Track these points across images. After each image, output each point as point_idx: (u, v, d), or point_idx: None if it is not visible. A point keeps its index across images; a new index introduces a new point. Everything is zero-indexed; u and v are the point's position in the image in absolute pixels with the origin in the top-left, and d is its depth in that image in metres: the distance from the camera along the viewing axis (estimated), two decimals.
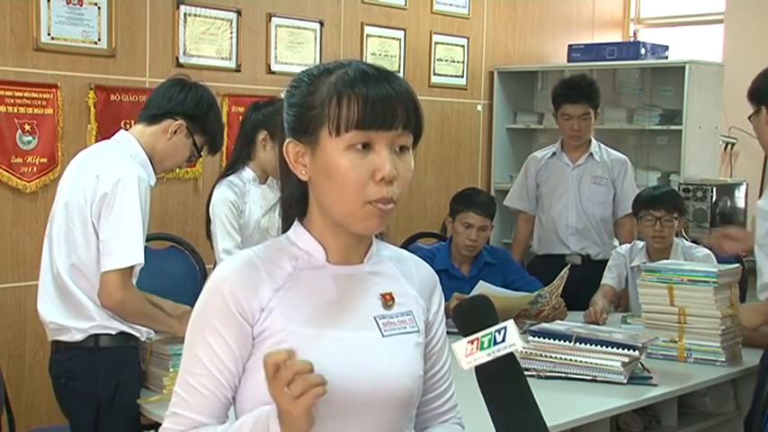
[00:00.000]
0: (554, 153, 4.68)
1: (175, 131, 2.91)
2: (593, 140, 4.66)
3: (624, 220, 4.58)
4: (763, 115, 3.26)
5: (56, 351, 2.86)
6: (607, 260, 4.37)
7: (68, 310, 2.78)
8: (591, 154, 4.60)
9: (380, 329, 1.53)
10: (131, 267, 2.73)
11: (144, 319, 2.81)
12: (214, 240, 3.41)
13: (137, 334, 2.83)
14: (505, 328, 1.35)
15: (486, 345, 1.35)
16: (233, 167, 3.50)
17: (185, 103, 2.93)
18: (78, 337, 2.77)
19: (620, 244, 4.43)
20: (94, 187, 2.73)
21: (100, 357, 2.79)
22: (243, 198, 3.42)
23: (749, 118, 3.40)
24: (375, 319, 1.53)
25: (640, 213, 4.10)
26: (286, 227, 1.58)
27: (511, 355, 1.36)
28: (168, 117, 2.91)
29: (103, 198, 2.71)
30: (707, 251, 4.11)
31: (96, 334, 2.78)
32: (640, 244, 4.21)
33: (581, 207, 4.59)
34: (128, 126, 4.08)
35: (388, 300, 1.56)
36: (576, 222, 4.59)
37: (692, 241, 4.22)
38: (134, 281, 2.81)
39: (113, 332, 2.79)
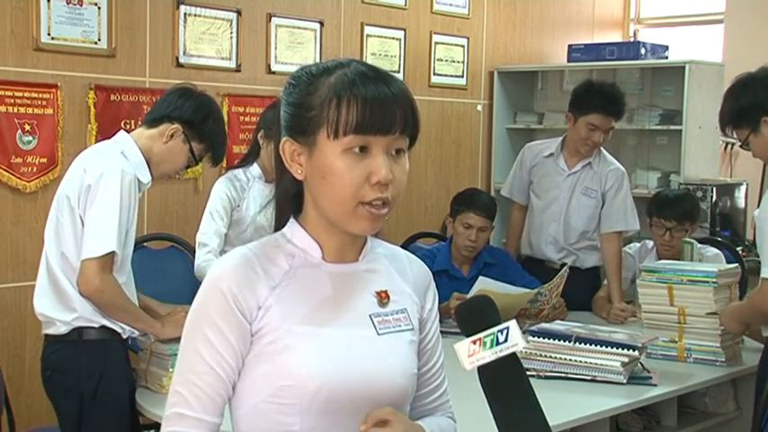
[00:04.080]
0: (551, 154, 4.40)
1: (171, 136, 2.94)
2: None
3: (611, 236, 4.24)
4: (763, 127, 3.08)
5: (45, 345, 2.92)
6: (588, 269, 4.35)
7: (56, 300, 2.83)
8: (589, 163, 4.31)
9: (375, 327, 1.54)
10: (109, 256, 2.75)
11: (123, 314, 2.83)
12: (200, 230, 3.50)
13: (118, 329, 2.86)
14: (508, 328, 1.36)
15: (488, 345, 1.36)
16: (245, 161, 3.58)
17: (183, 109, 2.97)
18: (63, 329, 2.83)
19: (606, 263, 4.22)
20: (81, 180, 2.81)
21: (84, 351, 2.83)
22: (242, 193, 3.48)
23: (742, 146, 3.19)
24: (370, 317, 1.54)
25: (653, 218, 4.05)
26: (279, 223, 1.59)
27: (513, 355, 1.36)
28: (166, 121, 2.95)
29: (88, 190, 2.78)
30: (716, 251, 4.09)
31: (80, 327, 2.82)
32: (650, 244, 4.18)
33: (566, 218, 4.34)
34: (128, 126, 4.10)
35: (383, 297, 1.57)
36: (555, 232, 4.35)
37: (699, 241, 4.20)
38: (123, 278, 2.84)
39: (96, 325, 2.83)
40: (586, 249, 4.37)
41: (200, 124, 2.97)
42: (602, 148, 4.35)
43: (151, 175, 2.95)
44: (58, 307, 2.83)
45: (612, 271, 4.18)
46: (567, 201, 4.34)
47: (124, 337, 2.88)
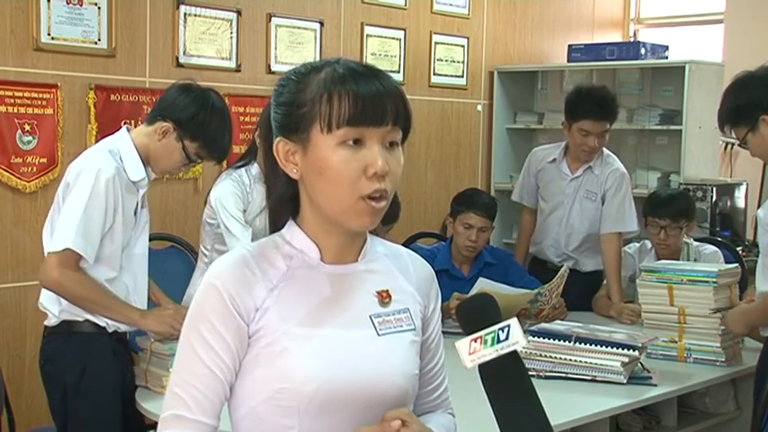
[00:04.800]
0: (554, 159, 4.40)
1: (164, 134, 2.93)
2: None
3: (611, 237, 4.23)
4: (761, 125, 3.05)
5: (43, 336, 2.99)
6: (588, 272, 4.35)
7: (49, 292, 2.88)
8: (590, 167, 4.30)
9: (375, 328, 1.53)
10: (69, 252, 2.75)
11: (91, 305, 2.84)
12: (227, 235, 3.39)
13: (101, 323, 2.88)
14: (509, 326, 1.35)
15: (489, 343, 1.36)
16: (245, 159, 3.52)
17: (175, 106, 2.95)
18: (53, 321, 2.90)
19: (606, 263, 4.21)
20: (66, 178, 2.88)
21: (70, 343, 2.89)
22: (247, 197, 3.45)
23: (741, 144, 3.15)
24: (370, 317, 1.53)
25: (647, 218, 4.05)
26: (274, 228, 1.57)
27: (514, 353, 1.36)
28: (160, 119, 2.94)
29: (67, 187, 2.84)
30: (714, 248, 4.10)
31: (68, 320, 2.87)
32: (649, 244, 4.16)
33: (569, 222, 4.36)
34: (128, 126, 4.09)
35: (384, 297, 1.56)
36: (556, 236, 4.38)
37: (697, 240, 4.18)
38: (112, 273, 2.86)
39: (80, 319, 2.87)
40: (587, 253, 4.38)
41: (188, 122, 2.92)
42: (605, 150, 4.34)
43: (151, 171, 2.96)
44: (50, 299, 2.88)
45: (612, 272, 4.18)
46: (570, 205, 4.36)
47: (110, 331, 2.90)
